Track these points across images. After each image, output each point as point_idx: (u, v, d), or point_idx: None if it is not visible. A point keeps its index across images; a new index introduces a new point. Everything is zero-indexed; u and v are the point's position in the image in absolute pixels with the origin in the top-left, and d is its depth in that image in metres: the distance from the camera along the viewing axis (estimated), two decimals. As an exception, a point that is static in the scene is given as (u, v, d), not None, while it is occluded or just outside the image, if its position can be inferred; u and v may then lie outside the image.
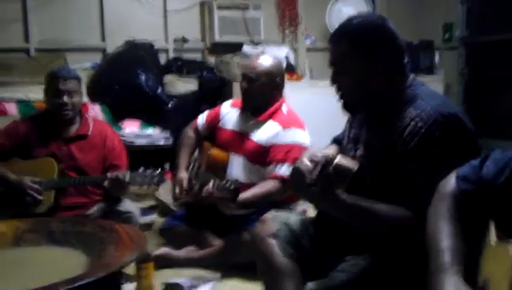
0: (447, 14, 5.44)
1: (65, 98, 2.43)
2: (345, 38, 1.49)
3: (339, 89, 1.52)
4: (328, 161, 1.41)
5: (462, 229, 1.09)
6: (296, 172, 1.38)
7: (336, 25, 4.52)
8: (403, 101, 1.44)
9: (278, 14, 5.09)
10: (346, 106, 1.53)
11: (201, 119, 2.66)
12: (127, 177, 2.33)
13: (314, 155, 1.48)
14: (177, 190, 2.46)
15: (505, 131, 4.75)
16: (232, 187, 2.09)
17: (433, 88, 4.86)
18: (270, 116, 2.41)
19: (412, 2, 5.56)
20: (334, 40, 1.52)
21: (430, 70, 5.17)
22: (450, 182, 1.16)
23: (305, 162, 1.42)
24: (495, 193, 1.08)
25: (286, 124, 2.38)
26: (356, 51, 1.46)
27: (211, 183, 2.16)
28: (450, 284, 0.99)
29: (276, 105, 2.43)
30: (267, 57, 2.52)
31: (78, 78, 2.55)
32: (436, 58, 5.29)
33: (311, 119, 3.44)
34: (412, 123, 1.38)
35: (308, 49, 5.10)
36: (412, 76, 1.52)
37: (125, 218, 2.42)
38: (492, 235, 1.08)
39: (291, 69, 4.60)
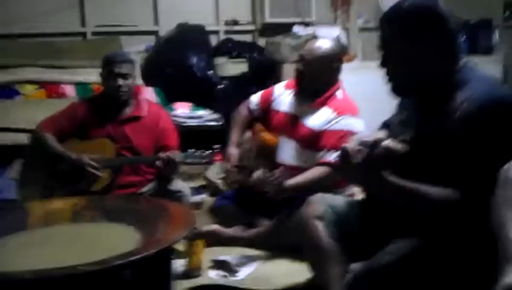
0: (508, -9, 5.19)
1: (120, 81, 2.52)
2: (394, 22, 1.48)
3: (388, 72, 1.51)
4: (377, 142, 1.41)
5: None
6: (344, 152, 1.38)
7: (389, 4, 4.40)
8: (453, 84, 1.42)
9: (330, -7, 5.01)
10: (395, 90, 1.52)
11: (255, 99, 2.68)
12: (178, 158, 2.40)
13: (363, 137, 1.48)
14: (227, 165, 2.49)
15: None
16: (275, 182, 2.13)
17: (492, 69, 4.71)
18: (325, 102, 2.39)
19: (470, -22, 5.33)
20: (383, 23, 1.51)
21: (488, 50, 4.97)
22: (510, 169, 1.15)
23: (354, 143, 1.43)
24: None
25: (340, 111, 2.35)
26: (405, 35, 1.44)
27: (258, 174, 2.19)
28: None
29: (331, 90, 2.40)
30: (326, 40, 2.48)
31: (131, 62, 2.64)
32: (496, 37, 5.07)
33: (363, 101, 3.38)
34: (462, 107, 1.36)
35: (361, 29, 5.01)
36: (464, 59, 1.49)
37: (177, 197, 2.49)
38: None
39: (343, 50, 4.54)
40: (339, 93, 2.43)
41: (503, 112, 1.33)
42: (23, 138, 3.31)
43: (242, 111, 2.69)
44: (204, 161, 2.46)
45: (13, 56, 4.00)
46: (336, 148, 2.27)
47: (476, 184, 1.29)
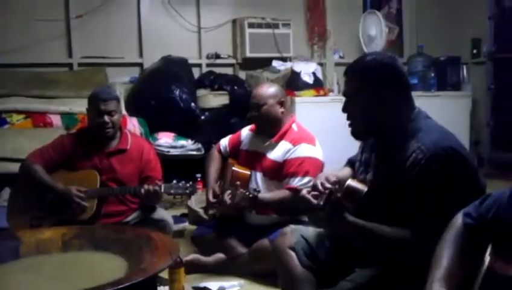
0: (475, 30, 5.48)
1: (106, 118, 2.64)
2: (356, 73, 1.66)
3: (348, 118, 1.69)
4: (339, 185, 1.56)
5: (461, 254, 1.27)
6: (302, 201, 1.51)
7: (365, 42, 4.59)
8: (407, 133, 1.58)
9: (307, 30, 5.27)
10: (354, 134, 1.70)
11: (224, 143, 2.92)
12: (162, 189, 2.54)
13: (328, 179, 1.65)
14: (210, 196, 2.67)
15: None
16: (250, 195, 2.32)
17: (461, 103, 4.94)
18: (282, 137, 2.65)
19: (440, 18, 5.64)
20: (347, 74, 1.69)
21: (457, 85, 5.23)
22: (458, 218, 1.34)
23: (316, 185, 1.59)
24: (489, 225, 1.26)
25: (296, 141, 2.61)
26: (365, 86, 1.61)
27: (227, 193, 2.44)
28: None
29: (286, 125, 2.65)
30: (266, 84, 2.94)
31: (117, 99, 2.76)
32: (464, 73, 5.34)
33: (338, 133, 3.56)
34: (413, 155, 1.51)
35: (337, 64, 5.26)
36: (417, 109, 1.66)
37: (160, 226, 2.63)
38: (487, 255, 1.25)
39: (318, 84, 4.76)
40: (294, 127, 2.67)
41: (448, 162, 1.47)
42: (10, 167, 3.42)
43: (214, 153, 2.92)
44: (186, 191, 2.60)
45: (1, 85, 4.11)
46: (296, 174, 2.53)
47: (423, 228, 1.45)
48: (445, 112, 3.62)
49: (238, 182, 2.50)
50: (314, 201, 1.46)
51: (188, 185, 2.59)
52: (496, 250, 1.22)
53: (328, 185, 1.51)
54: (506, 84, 5.15)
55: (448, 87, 5.18)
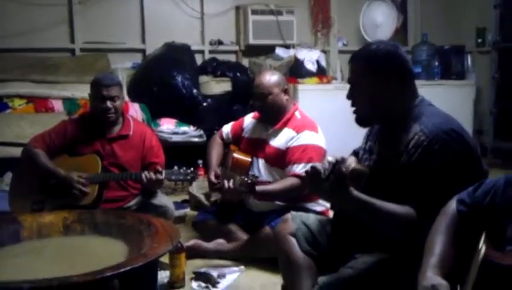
0: (480, 19, 5.45)
1: (108, 103, 2.64)
2: (361, 61, 1.66)
3: (353, 104, 1.69)
4: (343, 159, 1.56)
5: (454, 241, 1.28)
6: (312, 168, 1.52)
7: (368, 30, 4.58)
8: (410, 118, 1.60)
9: (311, 17, 5.23)
10: (359, 121, 1.70)
11: (226, 129, 2.91)
12: (164, 175, 2.54)
13: (331, 158, 1.65)
14: (212, 177, 2.67)
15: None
16: (249, 181, 2.30)
17: (465, 92, 4.94)
18: (285, 124, 2.64)
19: (445, 6, 5.60)
20: (352, 61, 1.70)
21: (461, 74, 5.22)
22: (451, 204, 1.34)
23: (322, 161, 1.59)
24: (484, 212, 1.27)
25: (299, 128, 2.60)
26: (370, 73, 1.62)
27: (231, 180, 2.38)
28: (425, 278, 1.20)
29: (289, 113, 2.64)
30: (268, 71, 2.82)
31: (119, 84, 2.75)
32: (468, 62, 5.32)
33: (341, 120, 3.56)
34: (416, 137, 1.53)
35: (340, 52, 5.23)
36: (420, 97, 1.67)
37: (161, 211, 2.63)
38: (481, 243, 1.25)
39: (322, 72, 4.75)
40: (297, 114, 2.65)
41: (450, 144, 1.49)
42: (12, 151, 3.42)
43: (216, 138, 2.91)
44: (187, 177, 2.61)
45: (3, 70, 4.11)
46: (300, 161, 2.49)
47: (426, 206, 1.46)
48: (449, 101, 3.60)
49: (238, 169, 2.50)
50: (322, 172, 1.46)
51: (189, 171, 2.59)
52: (491, 239, 1.22)
53: (331, 159, 1.51)
54: (511, 74, 5.12)
55: (452, 76, 5.17)
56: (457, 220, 1.30)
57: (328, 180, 1.43)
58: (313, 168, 1.48)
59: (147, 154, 2.75)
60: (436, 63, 5.09)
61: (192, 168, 2.61)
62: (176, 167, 2.59)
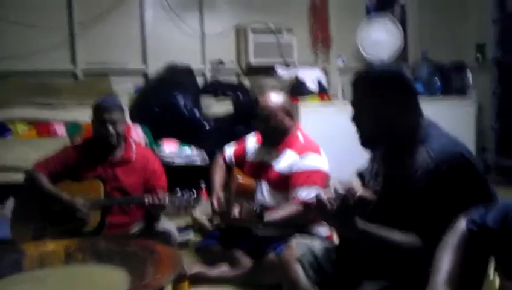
0: (479, 35, 5.47)
1: (110, 128, 2.64)
2: (365, 83, 1.66)
3: (357, 127, 1.68)
4: (350, 193, 1.56)
5: (463, 259, 1.24)
6: (318, 202, 1.51)
7: (367, 48, 4.59)
8: (416, 140, 1.59)
9: (311, 36, 5.25)
10: (364, 143, 1.68)
11: (229, 152, 2.88)
12: (166, 200, 2.53)
13: (340, 186, 1.64)
14: (215, 202, 2.65)
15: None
16: (257, 211, 2.27)
17: (466, 109, 4.93)
18: (288, 146, 2.60)
19: (444, 23, 5.60)
20: (356, 83, 1.69)
21: (462, 90, 5.22)
22: (461, 222, 1.32)
23: (329, 192, 1.58)
24: (494, 237, 1.24)
25: (302, 151, 2.57)
26: (374, 95, 1.62)
27: (237, 209, 2.33)
28: None
29: (292, 135, 2.61)
30: (273, 93, 2.74)
31: (121, 108, 2.75)
32: (469, 78, 5.32)
33: (341, 140, 3.54)
34: (422, 161, 1.52)
35: (340, 70, 5.24)
36: (426, 118, 1.66)
37: (164, 237, 2.61)
38: (492, 271, 1.22)
39: (322, 90, 4.75)
40: (299, 136, 2.63)
41: (457, 168, 1.48)
42: (14, 177, 3.40)
43: (219, 161, 2.88)
44: (190, 203, 2.57)
45: (5, 94, 4.11)
46: (304, 187, 2.45)
47: (436, 233, 1.43)
48: (451, 117, 3.58)
49: (245, 199, 2.46)
50: (329, 205, 1.45)
51: (192, 197, 2.55)
52: (501, 266, 1.20)
53: (340, 191, 1.51)
54: (511, 90, 5.13)
55: (453, 93, 5.17)
56: (466, 238, 1.27)
57: (337, 213, 1.42)
58: (318, 199, 1.47)
59: (149, 179, 2.74)
60: (437, 80, 5.09)
61: (195, 192, 2.59)
62: (178, 192, 2.55)
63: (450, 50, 5.44)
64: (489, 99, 5.32)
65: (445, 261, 1.23)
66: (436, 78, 5.10)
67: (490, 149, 5.26)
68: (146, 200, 2.53)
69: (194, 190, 2.60)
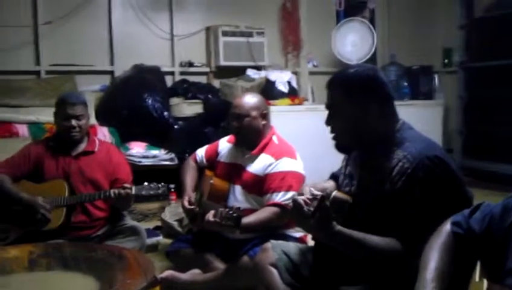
0: (446, 40, 5.58)
1: (73, 122, 2.59)
2: (339, 86, 1.62)
3: (332, 131, 1.64)
4: (326, 195, 1.52)
5: (450, 259, 1.22)
6: (294, 204, 1.47)
7: (340, 51, 4.63)
8: (392, 143, 1.56)
9: (281, 39, 5.24)
10: (339, 147, 1.65)
11: (200, 153, 2.82)
12: (133, 190, 2.47)
13: (314, 188, 1.60)
14: (186, 203, 2.58)
15: (503, 154, 4.85)
16: (234, 215, 2.19)
17: (433, 112, 5.00)
18: (263, 150, 2.56)
19: (412, 27, 5.70)
20: (330, 86, 1.65)
21: (429, 94, 5.31)
22: (446, 225, 1.30)
23: (304, 194, 1.54)
24: (479, 239, 1.22)
25: (278, 155, 2.52)
26: (349, 98, 1.58)
27: (212, 213, 2.26)
28: None
29: (267, 138, 2.58)
30: (248, 94, 2.72)
31: (85, 103, 2.71)
32: (436, 82, 5.42)
33: (313, 142, 3.52)
34: (400, 164, 1.49)
35: (311, 73, 5.24)
36: (401, 121, 1.64)
37: (133, 231, 2.61)
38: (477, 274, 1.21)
39: (293, 93, 4.73)
40: (274, 139, 2.59)
41: (434, 171, 1.46)
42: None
43: (190, 162, 2.82)
44: (159, 192, 2.53)
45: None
46: (279, 189, 2.42)
47: (413, 236, 1.41)
48: (419, 121, 3.53)
49: (217, 201, 2.40)
50: (305, 207, 1.41)
51: (159, 185, 2.53)
52: (487, 268, 1.18)
53: (316, 192, 1.46)
54: (477, 93, 5.23)
55: (420, 96, 5.25)
56: (452, 240, 1.25)
57: (314, 217, 1.38)
58: (294, 201, 1.42)
59: (114, 171, 2.70)
60: (405, 84, 5.15)
61: (162, 183, 2.54)
62: (145, 183, 2.52)
63: (417, 54, 5.53)
64: (455, 103, 5.41)
65: (433, 260, 1.21)
66: (404, 82, 5.16)
67: (456, 151, 5.35)
68: (112, 193, 2.48)
69: (162, 183, 2.56)
